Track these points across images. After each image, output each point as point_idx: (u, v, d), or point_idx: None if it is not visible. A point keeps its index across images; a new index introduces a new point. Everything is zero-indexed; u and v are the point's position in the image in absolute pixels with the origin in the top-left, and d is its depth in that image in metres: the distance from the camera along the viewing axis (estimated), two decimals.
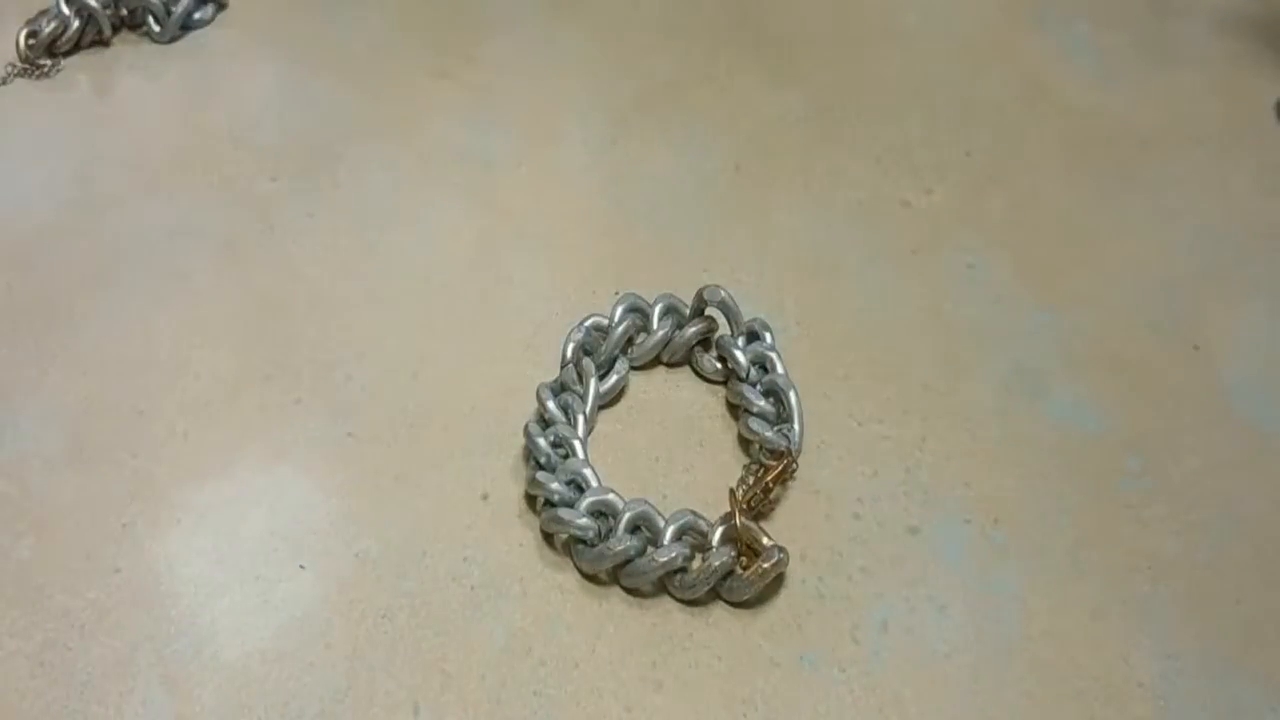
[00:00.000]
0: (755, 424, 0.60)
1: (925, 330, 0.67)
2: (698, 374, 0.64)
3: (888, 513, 0.58)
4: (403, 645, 0.53)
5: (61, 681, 0.51)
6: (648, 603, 0.55)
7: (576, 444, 0.58)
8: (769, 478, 0.56)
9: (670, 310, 0.64)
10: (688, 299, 0.64)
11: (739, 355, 0.62)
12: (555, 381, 0.61)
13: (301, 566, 0.55)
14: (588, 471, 0.56)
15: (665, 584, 0.55)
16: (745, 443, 0.61)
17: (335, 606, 0.54)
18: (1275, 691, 0.52)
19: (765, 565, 0.52)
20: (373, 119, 0.80)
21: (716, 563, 0.53)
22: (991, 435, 0.61)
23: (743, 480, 0.57)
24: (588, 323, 0.63)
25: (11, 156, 0.77)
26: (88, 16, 0.85)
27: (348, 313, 0.67)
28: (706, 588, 0.53)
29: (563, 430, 0.58)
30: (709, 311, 0.63)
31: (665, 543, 0.54)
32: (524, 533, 0.57)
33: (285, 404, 0.62)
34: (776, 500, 0.58)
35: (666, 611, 0.54)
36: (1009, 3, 0.91)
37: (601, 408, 0.62)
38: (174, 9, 0.86)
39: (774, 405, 0.60)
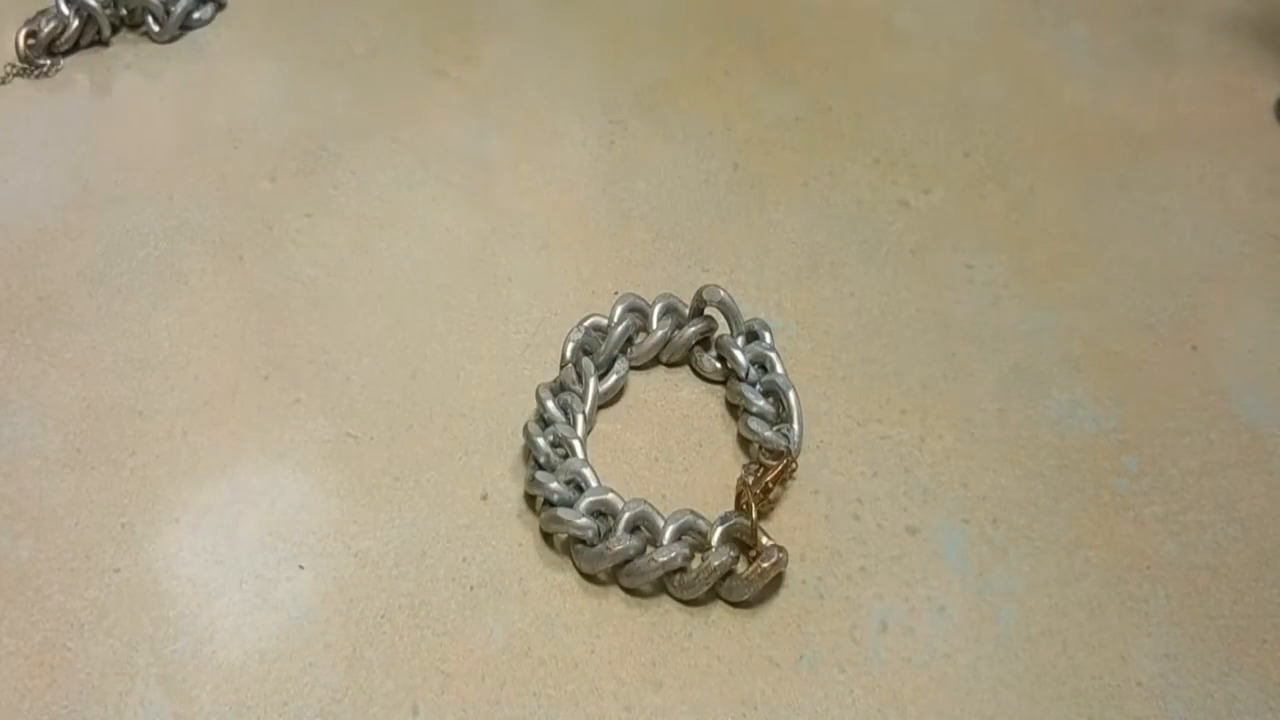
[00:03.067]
0: (755, 424, 0.60)
1: (924, 330, 0.67)
2: (697, 374, 0.64)
3: (887, 513, 0.58)
4: (402, 645, 0.53)
5: (60, 682, 0.51)
6: (647, 603, 0.55)
7: (576, 444, 0.58)
8: (769, 478, 0.56)
9: (669, 310, 0.64)
10: (687, 299, 0.64)
11: (738, 355, 0.62)
12: (554, 381, 0.61)
13: (301, 566, 0.55)
14: (587, 471, 0.56)
15: (665, 584, 0.55)
16: (745, 442, 0.61)
17: (334, 607, 0.54)
18: (1274, 691, 0.52)
19: (765, 565, 0.52)
20: (371, 119, 0.80)
21: (716, 563, 0.53)
22: (990, 435, 0.62)
23: (742, 480, 0.57)
24: (587, 323, 0.63)
25: (10, 156, 0.77)
26: (87, 16, 0.85)
27: (346, 313, 0.67)
28: (706, 588, 0.53)
29: (562, 430, 0.58)
30: (708, 311, 0.63)
31: (665, 543, 0.54)
32: (523, 533, 0.57)
33: (284, 404, 0.62)
34: (776, 500, 0.58)
35: (666, 611, 0.54)
36: (1008, 3, 0.91)
37: (601, 407, 0.62)
38: (173, 9, 0.86)
39: (773, 405, 0.60)
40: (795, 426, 0.59)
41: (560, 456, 0.58)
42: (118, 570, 0.55)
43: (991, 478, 0.60)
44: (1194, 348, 0.66)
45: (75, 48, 0.85)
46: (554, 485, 0.56)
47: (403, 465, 0.60)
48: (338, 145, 0.78)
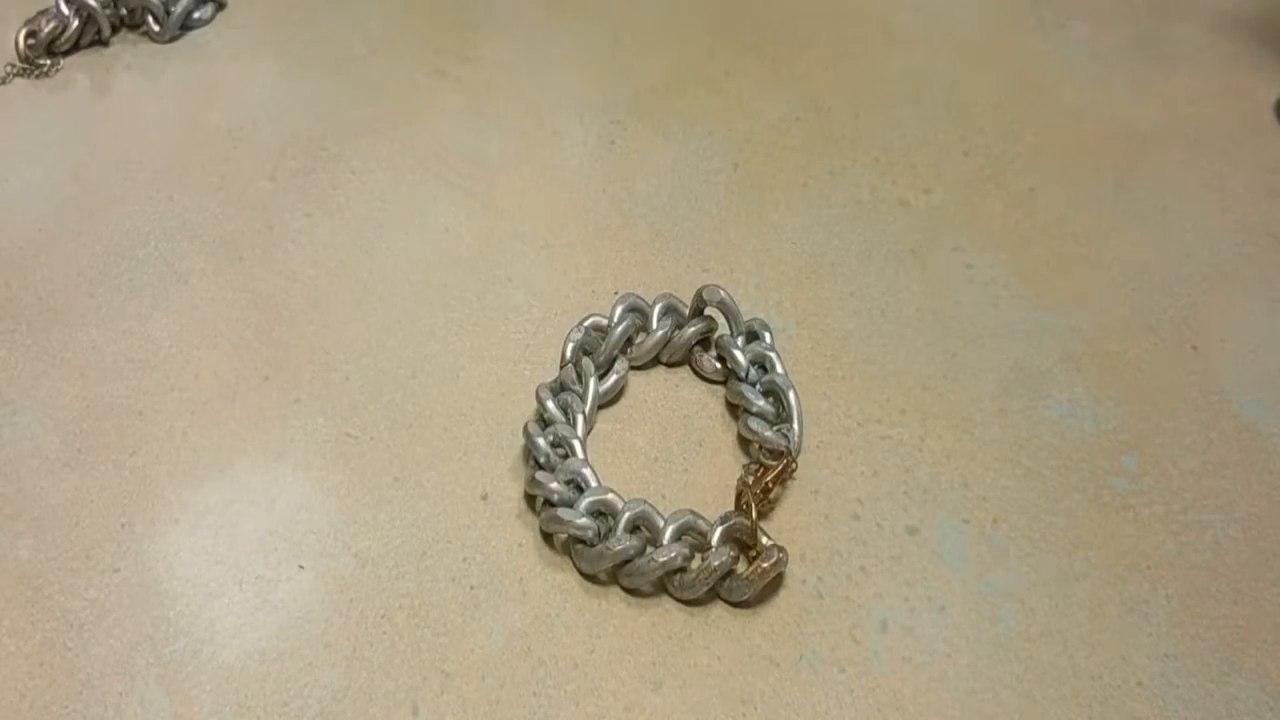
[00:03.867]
0: (754, 424, 0.60)
1: (924, 330, 0.67)
2: (697, 374, 0.64)
3: (887, 513, 0.58)
4: (402, 645, 0.53)
5: (60, 681, 0.51)
6: (647, 603, 0.55)
7: (576, 444, 0.58)
8: (769, 478, 0.56)
9: (669, 310, 0.64)
10: (687, 299, 0.64)
11: (738, 355, 0.62)
12: (554, 381, 0.61)
13: (300, 566, 0.55)
14: (587, 471, 0.56)
15: (665, 584, 0.55)
16: (744, 442, 0.61)
17: (334, 607, 0.54)
18: (1273, 691, 0.52)
19: (765, 565, 0.52)
20: (371, 119, 0.80)
21: (716, 563, 0.53)
22: (990, 435, 0.62)
23: (742, 480, 0.57)
24: (587, 322, 0.63)
25: (10, 156, 0.77)
26: (87, 16, 0.85)
27: (346, 313, 0.67)
28: (706, 588, 0.53)
29: (562, 430, 0.58)
30: (708, 311, 0.63)
31: (664, 542, 0.54)
32: (523, 533, 0.57)
33: (284, 404, 0.62)
34: (776, 500, 0.58)
35: (666, 611, 0.54)
36: (1007, 3, 0.91)
37: (601, 408, 0.62)
38: (173, 9, 0.86)
39: (773, 405, 0.60)
40: (795, 426, 0.59)
41: (560, 456, 0.58)
42: (118, 570, 0.55)
43: (991, 478, 0.60)
44: (1194, 348, 0.66)
45: (75, 48, 0.85)
46: (554, 485, 0.56)
47: (403, 465, 0.60)
48: (338, 145, 0.78)
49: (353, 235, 0.72)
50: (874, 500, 0.58)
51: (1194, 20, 0.89)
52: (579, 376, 0.61)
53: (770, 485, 0.56)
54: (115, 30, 0.87)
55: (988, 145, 0.79)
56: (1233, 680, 0.52)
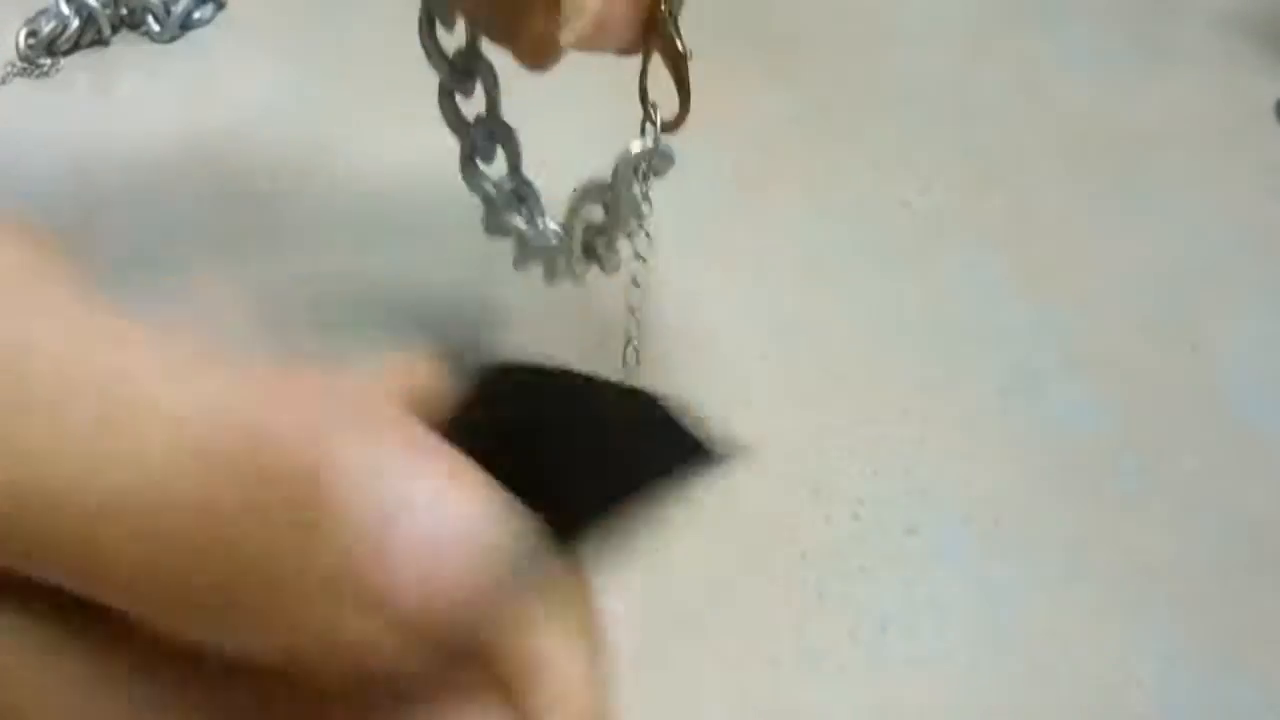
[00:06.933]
0: None
1: (924, 330, 0.67)
2: None
3: (887, 513, 0.58)
4: None
5: None
6: (645, 601, 0.54)
7: None
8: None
9: None
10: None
11: None
12: None
13: None
14: None
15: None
16: None
17: None
18: (1274, 691, 0.52)
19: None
20: (372, 119, 0.80)
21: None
22: (990, 435, 0.62)
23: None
24: None
25: (10, 156, 0.77)
26: (87, 16, 0.84)
27: None
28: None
29: None
30: None
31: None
32: None
33: None
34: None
35: (661, 608, 0.54)
36: (1008, 3, 0.91)
37: None
38: (174, 8, 0.86)
39: None
40: None
41: None
42: None
43: (991, 478, 0.60)
44: (1194, 348, 0.66)
45: (75, 47, 0.85)
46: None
47: None
48: (338, 146, 0.78)
49: (352, 237, 0.72)
50: (874, 500, 0.58)
51: (1194, 20, 0.89)
52: None
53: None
54: (115, 30, 0.87)
55: (988, 145, 0.79)
56: (1233, 680, 0.52)
